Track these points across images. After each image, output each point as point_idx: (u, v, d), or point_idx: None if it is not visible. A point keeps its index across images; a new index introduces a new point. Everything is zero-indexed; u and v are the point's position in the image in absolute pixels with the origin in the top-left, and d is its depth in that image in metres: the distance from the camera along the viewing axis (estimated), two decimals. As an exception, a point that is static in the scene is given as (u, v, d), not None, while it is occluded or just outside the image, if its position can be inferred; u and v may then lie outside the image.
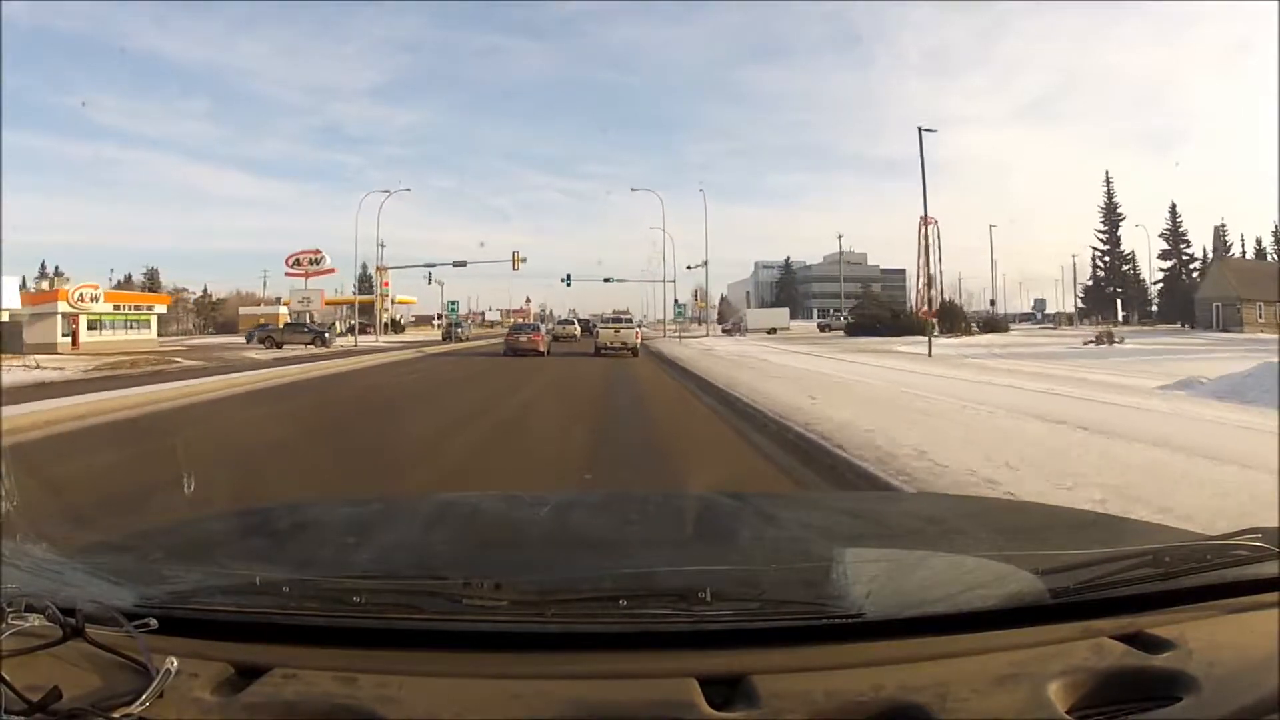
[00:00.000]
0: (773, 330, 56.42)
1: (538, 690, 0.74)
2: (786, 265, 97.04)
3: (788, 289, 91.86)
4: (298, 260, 53.74)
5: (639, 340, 28.46)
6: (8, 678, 0.67)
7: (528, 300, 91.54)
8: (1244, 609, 0.89)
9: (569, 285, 49.00)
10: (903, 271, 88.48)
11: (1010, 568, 1.00)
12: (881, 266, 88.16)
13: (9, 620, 0.74)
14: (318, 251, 53.67)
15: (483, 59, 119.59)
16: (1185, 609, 0.89)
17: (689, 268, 47.65)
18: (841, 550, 1.23)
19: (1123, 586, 0.91)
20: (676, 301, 57.14)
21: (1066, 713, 0.72)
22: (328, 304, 53.67)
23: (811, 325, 67.75)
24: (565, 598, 0.92)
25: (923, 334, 32.04)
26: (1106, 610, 0.88)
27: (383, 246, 51.55)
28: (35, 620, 0.75)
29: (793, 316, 77.09)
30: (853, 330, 46.60)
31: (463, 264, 48.59)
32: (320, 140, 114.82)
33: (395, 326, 45.66)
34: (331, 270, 53.87)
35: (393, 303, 46.20)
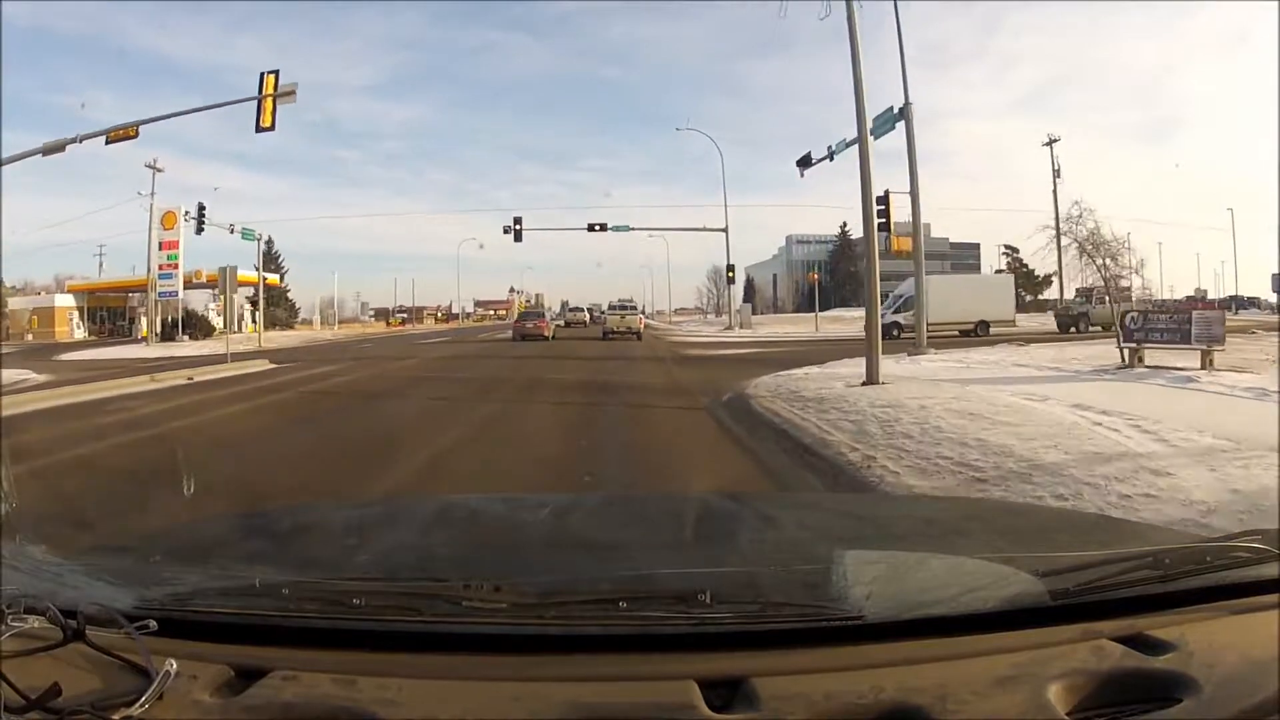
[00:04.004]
0: (976, 329, 26.92)
1: (537, 692, 0.75)
2: (843, 235, 72.04)
3: (845, 265, 69.73)
4: None
5: (642, 325, 29.52)
6: (9, 677, 0.68)
7: (511, 290, 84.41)
8: (1244, 610, 0.89)
9: (518, 240, 33.65)
10: (976, 246, 69.45)
11: (1010, 569, 1.00)
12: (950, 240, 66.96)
13: (9, 622, 0.75)
14: None
15: (480, 55, 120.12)
16: (1185, 611, 0.89)
17: (832, 154, 19.94)
18: (841, 552, 1.23)
19: (1123, 588, 0.91)
20: (731, 280, 40.44)
21: (1067, 714, 0.72)
22: (114, 287, 38.06)
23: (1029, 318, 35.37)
24: (565, 600, 0.93)
25: None
26: (1107, 612, 0.88)
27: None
28: (35, 622, 0.76)
29: (839, 304, 54.65)
30: None
31: (131, 133, 19.07)
32: (317, 136, 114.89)
33: (196, 325, 30.92)
34: None
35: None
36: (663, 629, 0.85)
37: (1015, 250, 58.20)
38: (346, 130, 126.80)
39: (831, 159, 20.49)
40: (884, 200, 17.39)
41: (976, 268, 61.60)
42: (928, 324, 23.15)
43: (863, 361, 9.96)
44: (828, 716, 0.71)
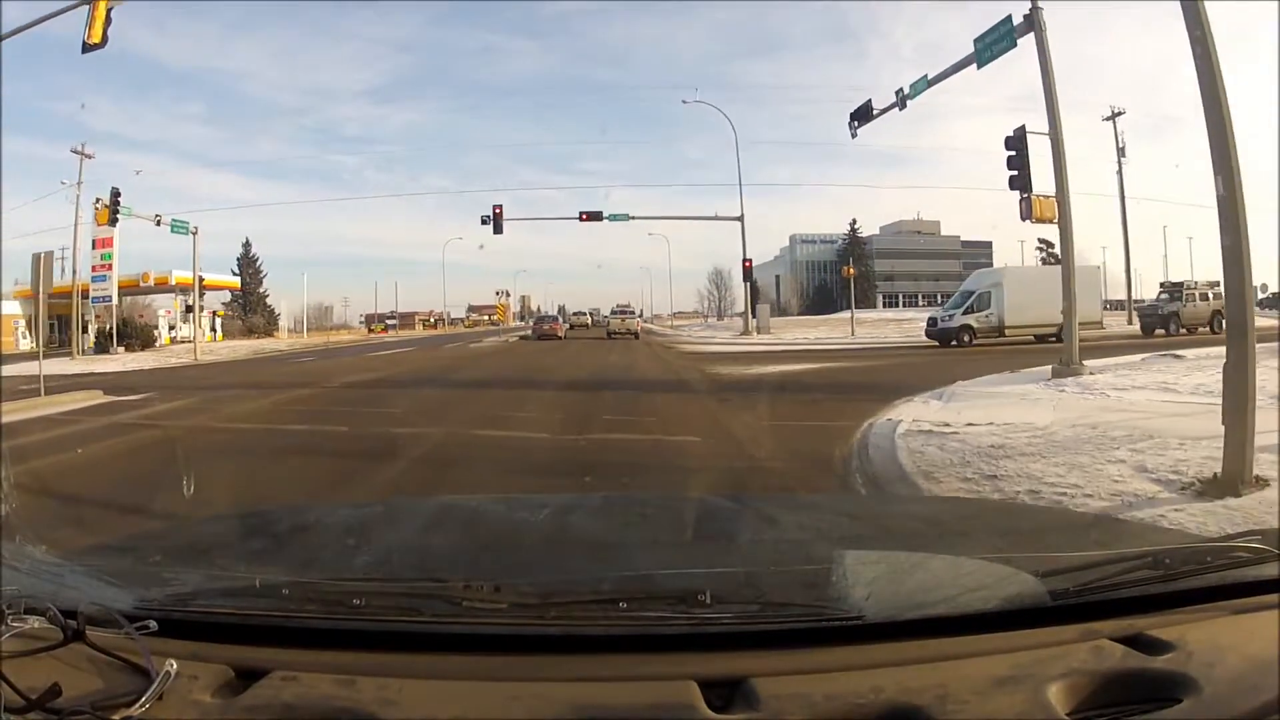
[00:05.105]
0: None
1: (537, 692, 0.74)
2: (853, 233, 69.79)
3: (858, 263, 62.02)
4: None
5: (639, 327, 35.24)
6: (9, 677, 0.68)
7: (504, 294, 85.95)
8: (1244, 610, 0.89)
9: (498, 231, 29.27)
10: (988, 245, 65.43)
11: (1010, 570, 1.00)
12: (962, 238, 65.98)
13: (9, 622, 0.75)
14: None
15: (479, 59, 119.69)
16: (1185, 611, 0.89)
17: (904, 99, 15.41)
18: (841, 552, 1.23)
19: (1123, 588, 0.91)
20: (748, 276, 32.89)
21: (1067, 715, 0.72)
22: (68, 292, 27.78)
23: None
24: (565, 600, 0.93)
25: None
26: (1106, 612, 0.88)
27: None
28: (36, 622, 0.76)
29: (846, 305, 49.05)
30: None
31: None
32: (316, 141, 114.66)
33: (134, 334, 25.70)
34: None
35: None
36: (663, 629, 0.85)
37: (1050, 245, 54.59)
38: (343, 134, 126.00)
39: (903, 106, 15.99)
40: (1018, 142, 11.76)
41: (990, 263, 55.31)
42: (1005, 327, 18.37)
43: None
44: (828, 716, 0.71)
